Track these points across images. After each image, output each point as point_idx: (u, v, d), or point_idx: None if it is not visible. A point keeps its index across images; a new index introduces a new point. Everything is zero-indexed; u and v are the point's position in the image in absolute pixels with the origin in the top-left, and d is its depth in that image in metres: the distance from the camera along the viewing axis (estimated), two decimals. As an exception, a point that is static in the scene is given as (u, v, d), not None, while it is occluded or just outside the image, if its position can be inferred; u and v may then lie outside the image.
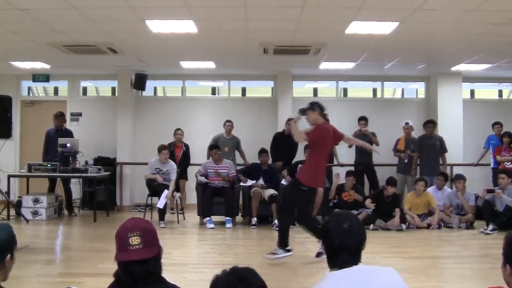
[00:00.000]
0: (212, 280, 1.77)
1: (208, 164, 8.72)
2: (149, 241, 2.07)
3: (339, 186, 8.71)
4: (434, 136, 9.38)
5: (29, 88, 11.53)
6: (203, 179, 8.61)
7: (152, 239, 2.10)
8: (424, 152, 9.25)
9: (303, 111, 5.71)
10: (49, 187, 9.40)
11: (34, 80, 10.81)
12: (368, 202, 8.26)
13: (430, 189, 8.72)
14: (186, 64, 9.65)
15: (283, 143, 9.27)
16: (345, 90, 11.48)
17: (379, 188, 8.72)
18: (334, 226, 2.12)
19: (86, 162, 9.73)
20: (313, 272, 5.31)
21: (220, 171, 8.55)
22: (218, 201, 8.43)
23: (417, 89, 11.72)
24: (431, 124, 9.39)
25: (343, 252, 2.08)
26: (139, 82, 10.41)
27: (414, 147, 9.37)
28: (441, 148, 9.36)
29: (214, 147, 8.81)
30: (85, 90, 11.55)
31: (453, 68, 9.84)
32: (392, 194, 8.21)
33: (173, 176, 8.51)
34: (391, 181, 8.28)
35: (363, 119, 9.57)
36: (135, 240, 2.04)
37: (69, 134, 9.53)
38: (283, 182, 8.58)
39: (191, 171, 9.59)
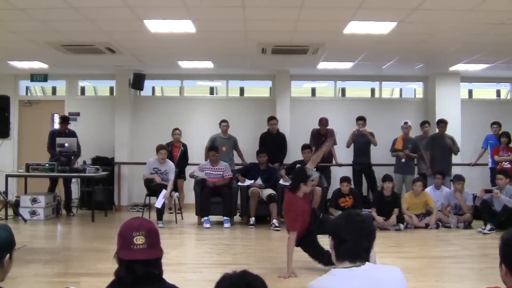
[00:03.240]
0: (220, 278, 1.76)
1: (204, 166, 8.73)
2: (153, 242, 2.08)
3: (335, 192, 8.71)
4: (446, 136, 9.41)
5: (27, 88, 11.50)
6: (201, 174, 8.60)
7: (156, 241, 2.11)
8: (436, 152, 9.24)
9: None
10: (50, 186, 9.39)
11: (32, 80, 10.77)
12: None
13: (428, 189, 8.72)
14: (184, 64, 9.63)
15: (271, 143, 9.29)
16: (343, 90, 11.48)
17: (378, 190, 8.70)
18: (346, 218, 2.20)
19: (84, 162, 9.71)
20: (313, 272, 5.30)
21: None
22: (216, 200, 8.43)
23: (415, 89, 11.73)
24: (443, 123, 9.42)
25: (356, 243, 2.10)
26: (137, 82, 10.39)
27: (420, 146, 9.35)
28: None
29: (213, 148, 8.81)
30: (83, 90, 11.52)
31: (451, 68, 9.84)
32: (391, 193, 8.24)
33: (171, 176, 8.51)
34: (386, 177, 8.37)
35: (361, 119, 9.57)
36: (139, 240, 2.04)
37: (73, 134, 9.54)
38: (281, 182, 8.57)
39: (189, 171, 9.57)
